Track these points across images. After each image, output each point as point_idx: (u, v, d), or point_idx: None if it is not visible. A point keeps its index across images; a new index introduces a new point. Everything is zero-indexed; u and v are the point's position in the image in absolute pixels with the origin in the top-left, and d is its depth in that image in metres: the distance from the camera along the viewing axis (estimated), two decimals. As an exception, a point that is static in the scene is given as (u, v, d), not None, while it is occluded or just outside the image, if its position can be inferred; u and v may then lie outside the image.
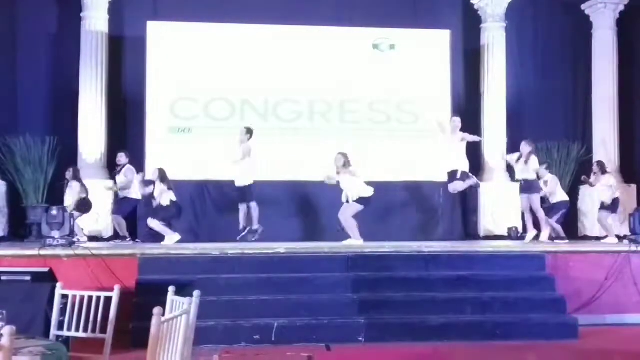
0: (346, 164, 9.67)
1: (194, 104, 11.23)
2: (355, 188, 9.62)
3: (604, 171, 10.40)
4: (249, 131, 9.92)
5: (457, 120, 10.11)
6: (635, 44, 12.03)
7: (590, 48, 12.12)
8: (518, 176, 10.03)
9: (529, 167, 9.85)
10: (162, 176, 9.81)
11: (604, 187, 10.32)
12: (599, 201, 10.43)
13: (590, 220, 11.37)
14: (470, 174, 10.00)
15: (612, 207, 10.32)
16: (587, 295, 8.39)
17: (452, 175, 9.93)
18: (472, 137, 10.03)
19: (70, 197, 9.73)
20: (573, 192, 11.77)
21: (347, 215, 9.65)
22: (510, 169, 10.91)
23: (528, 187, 9.88)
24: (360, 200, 9.64)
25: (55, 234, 8.31)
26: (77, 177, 9.87)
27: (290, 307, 7.39)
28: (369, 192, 9.61)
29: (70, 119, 10.98)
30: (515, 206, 10.70)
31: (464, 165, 9.91)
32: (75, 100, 10.99)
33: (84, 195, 9.72)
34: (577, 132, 12.34)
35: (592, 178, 10.55)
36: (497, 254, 8.74)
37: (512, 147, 11.70)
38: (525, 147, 9.95)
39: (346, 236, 9.57)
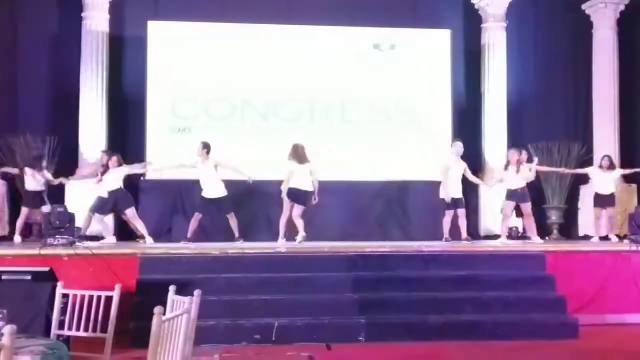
0: (291, 155, 9.69)
1: (194, 103, 11.23)
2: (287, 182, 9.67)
3: (612, 166, 10.54)
4: (206, 145, 9.85)
5: (461, 146, 10.25)
6: (636, 44, 12.01)
7: (590, 48, 12.11)
8: (510, 185, 10.03)
9: (520, 175, 9.97)
10: None
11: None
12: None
13: (592, 219, 11.37)
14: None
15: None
16: (587, 295, 8.39)
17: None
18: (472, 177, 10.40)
19: None
20: (573, 192, 11.78)
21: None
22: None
23: (521, 195, 9.97)
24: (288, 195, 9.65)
25: (59, 233, 8.30)
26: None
27: (290, 307, 7.40)
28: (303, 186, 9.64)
29: (70, 118, 10.97)
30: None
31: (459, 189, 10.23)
32: (75, 99, 10.98)
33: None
34: (577, 132, 12.33)
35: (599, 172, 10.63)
36: (498, 253, 8.74)
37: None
38: (514, 155, 10.07)
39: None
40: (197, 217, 9.86)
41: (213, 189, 9.77)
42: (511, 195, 10.00)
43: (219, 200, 9.82)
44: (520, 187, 9.96)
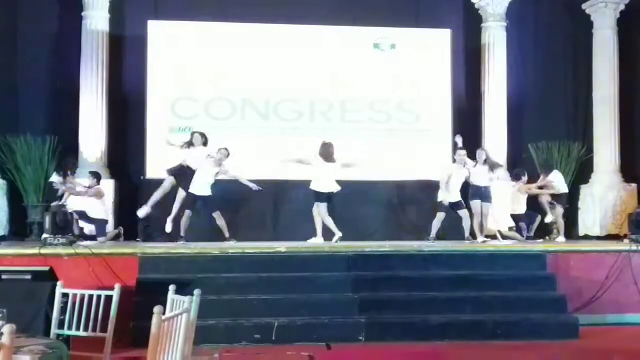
0: (319, 153, 9.85)
1: (195, 103, 11.23)
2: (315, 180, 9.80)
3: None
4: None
5: (464, 154, 10.24)
6: (636, 44, 12.00)
7: (590, 47, 12.09)
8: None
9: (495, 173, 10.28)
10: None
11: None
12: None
13: (592, 219, 11.39)
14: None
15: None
16: (587, 295, 8.40)
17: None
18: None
19: None
20: (573, 191, 11.76)
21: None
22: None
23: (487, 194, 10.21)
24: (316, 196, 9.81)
25: (61, 233, 8.30)
26: None
27: (290, 306, 7.40)
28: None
29: (70, 118, 10.97)
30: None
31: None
32: (75, 99, 10.97)
33: None
34: (577, 132, 12.33)
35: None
36: (498, 253, 8.74)
37: (512, 147, 11.76)
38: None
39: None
40: (187, 214, 9.85)
41: (201, 187, 9.79)
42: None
43: (204, 197, 9.83)
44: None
